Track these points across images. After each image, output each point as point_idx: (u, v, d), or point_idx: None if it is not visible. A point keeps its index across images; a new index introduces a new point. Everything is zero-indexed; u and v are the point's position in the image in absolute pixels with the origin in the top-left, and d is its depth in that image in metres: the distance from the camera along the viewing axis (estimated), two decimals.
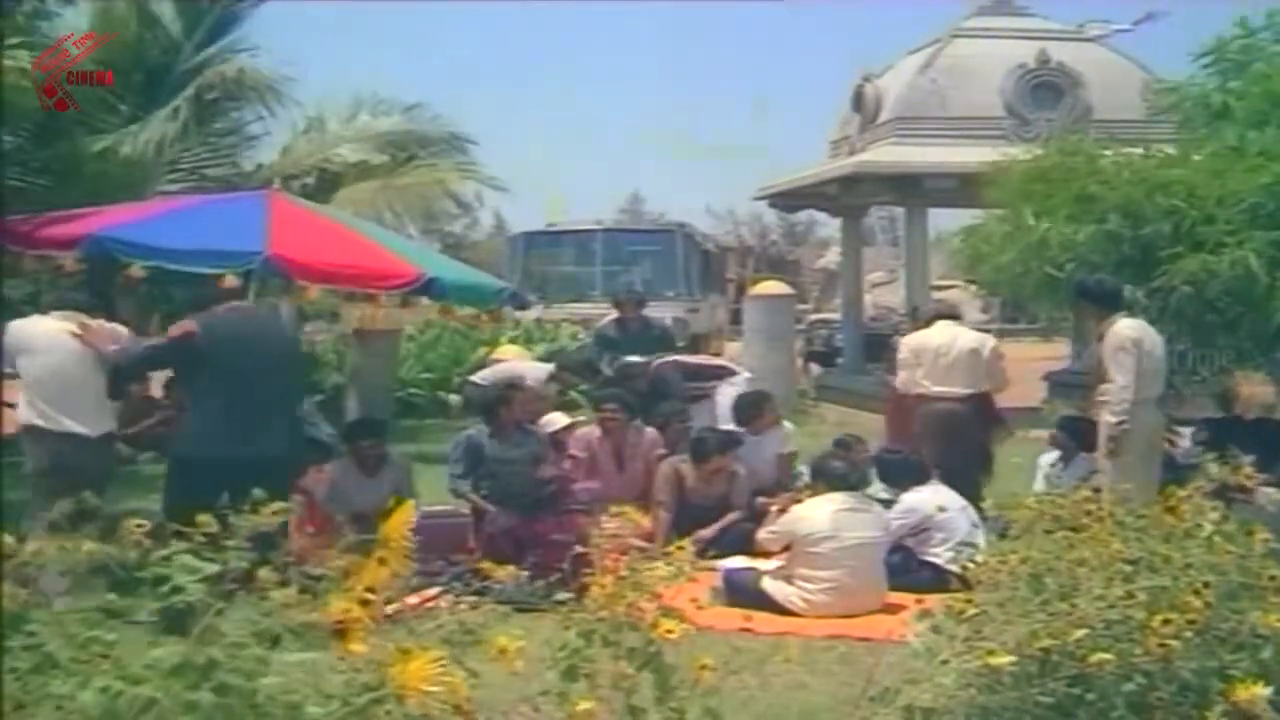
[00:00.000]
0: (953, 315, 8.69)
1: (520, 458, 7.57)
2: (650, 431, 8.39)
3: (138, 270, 6.70)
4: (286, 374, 6.05)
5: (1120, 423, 6.77)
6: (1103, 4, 20.78)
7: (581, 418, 8.84)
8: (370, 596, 2.19)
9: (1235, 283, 7.40)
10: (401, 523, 2.33)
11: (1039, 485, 7.74)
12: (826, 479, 6.64)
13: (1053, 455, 8.19)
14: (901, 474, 7.18)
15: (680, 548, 3.12)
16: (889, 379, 9.31)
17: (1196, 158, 8.40)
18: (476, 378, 10.58)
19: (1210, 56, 8.83)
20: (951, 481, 7.17)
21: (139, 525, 2.61)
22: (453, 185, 14.37)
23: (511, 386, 8.62)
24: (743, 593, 6.30)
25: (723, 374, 10.05)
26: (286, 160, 13.57)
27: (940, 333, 8.17)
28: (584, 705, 2.61)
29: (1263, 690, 2.70)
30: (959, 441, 7.92)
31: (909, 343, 8.34)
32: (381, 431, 8.23)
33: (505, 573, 4.82)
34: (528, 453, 7.71)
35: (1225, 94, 8.70)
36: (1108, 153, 8.94)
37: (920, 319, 9.33)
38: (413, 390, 15.20)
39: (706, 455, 7.82)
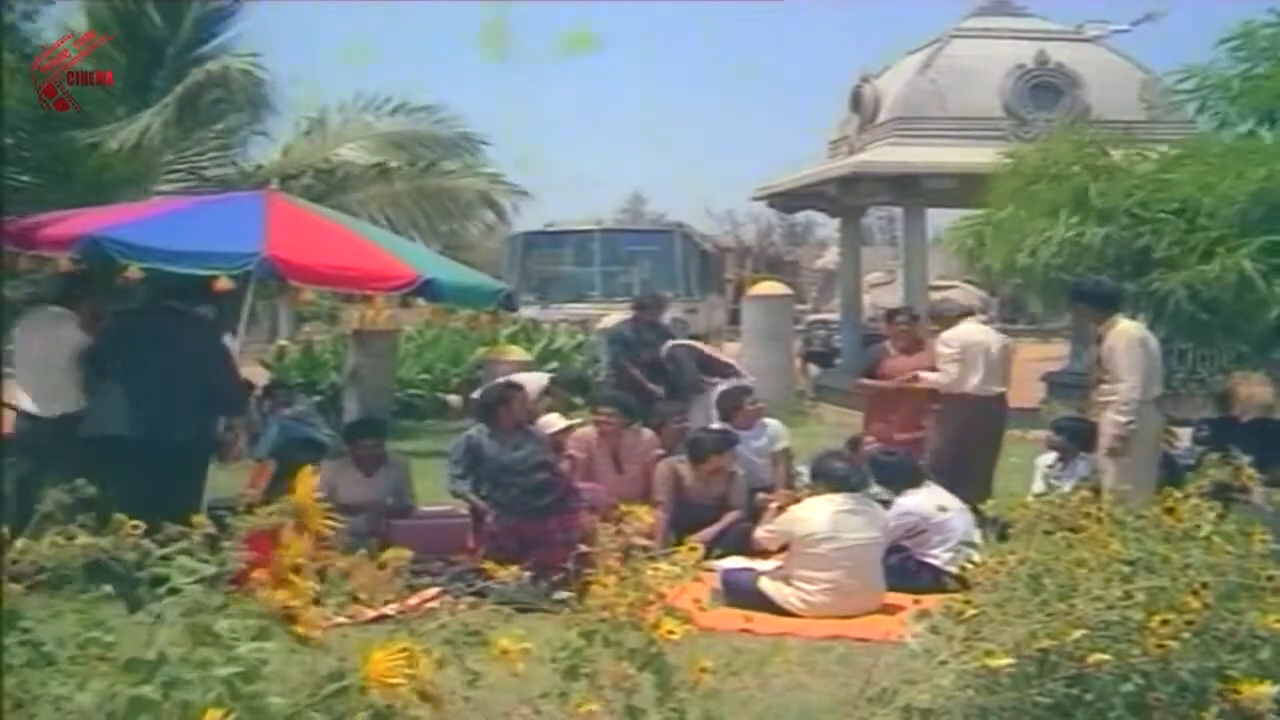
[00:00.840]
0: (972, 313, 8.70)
1: (526, 459, 7.50)
2: (648, 433, 8.38)
3: (135, 271, 6.70)
4: (189, 372, 6.60)
5: (1129, 422, 6.75)
6: (1101, 4, 20.79)
7: (578, 420, 8.83)
8: (300, 563, 2.19)
9: (1229, 289, 7.40)
10: (308, 489, 2.34)
11: (1038, 486, 7.72)
12: (827, 479, 6.64)
13: (1050, 457, 8.17)
14: (897, 476, 7.17)
15: (693, 549, 3.11)
16: (864, 381, 9.15)
17: (1198, 159, 8.39)
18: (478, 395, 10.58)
19: (1236, 41, 8.78)
20: (971, 479, 7.17)
21: (135, 526, 2.61)
22: (479, 190, 14.35)
23: (511, 386, 8.62)
24: (741, 593, 6.30)
25: (729, 373, 10.07)
26: (287, 160, 13.55)
27: (979, 330, 8.14)
28: (586, 708, 2.61)
29: (1269, 689, 2.70)
30: (991, 440, 7.91)
31: (956, 339, 8.10)
32: (383, 431, 8.23)
33: (508, 573, 4.81)
34: (532, 454, 7.64)
35: (1247, 80, 8.68)
36: (1115, 152, 8.94)
37: (898, 321, 9.18)
38: (411, 390, 15.21)
39: (703, 455, 7.82)
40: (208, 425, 6.91)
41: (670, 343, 9.65)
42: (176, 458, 6.28)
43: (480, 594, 2.85)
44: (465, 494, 7.78)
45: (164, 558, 2.32)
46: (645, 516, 3.08)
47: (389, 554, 2.61)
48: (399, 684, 2.03)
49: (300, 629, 2.11)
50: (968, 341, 8.05)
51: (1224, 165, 7.99)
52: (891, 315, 9.54)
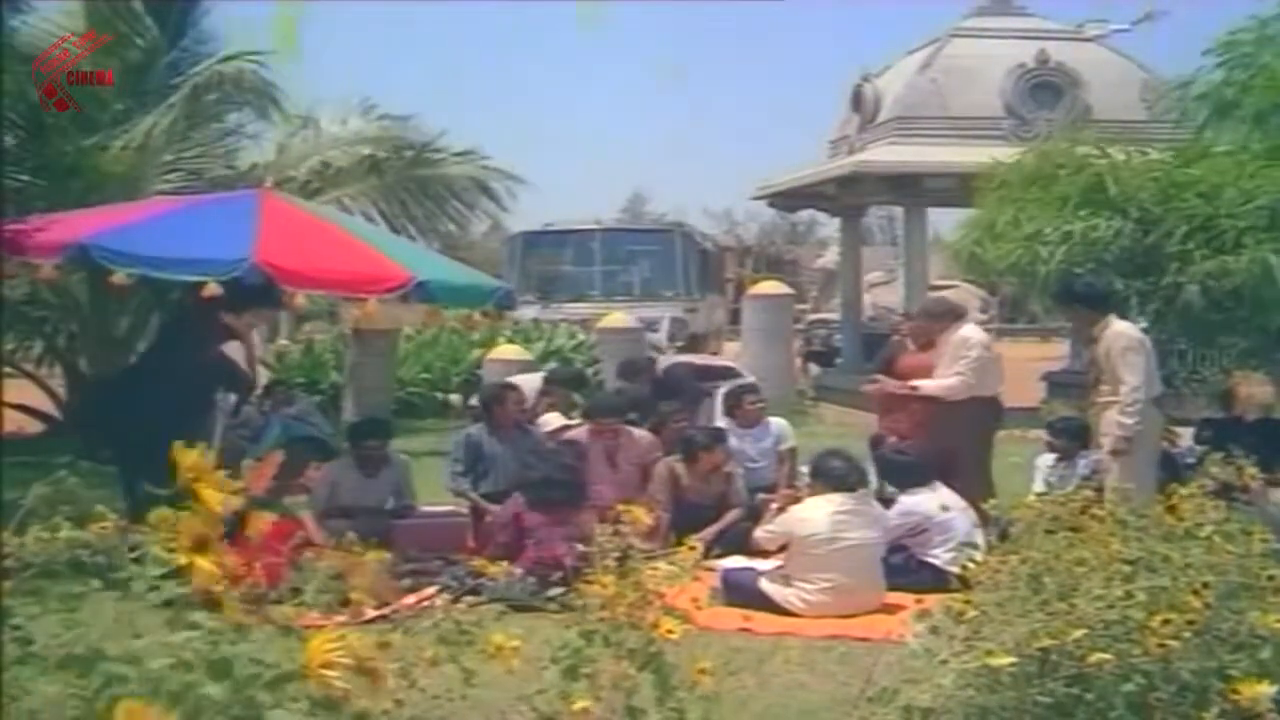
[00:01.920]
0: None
1: (553, 451, 7.43)
2: (645, 434, 8.33)
3: (121, 278, 6.68)
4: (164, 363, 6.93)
5: (1136, 423, 6.72)
6: (1102, 4, 20.73)
7: (577, 420, 8.81)
8: (207, 539, 2.14)
9: (1251, 282, 7.38)
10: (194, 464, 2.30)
11: (1038, 486, 7.69)
12: (826, 479, 6.62)
13: (1050, 457, 8.13)
14: (904, 475, 7.15)
15: (691, 548, 3.10)
16: (880, 379, 8.98)
17: (1212, 156, 8.37)
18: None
19: (1221, 51, 8.79)
20: (977, 479, 7.15)
21: (103, 525, 2.60)
22: (472, 176, 14.35)
23: (505, 386, 8.61)
24: (741, 593, 6.29)
25: (728, 375, 10.07)
26: (283, 160, 13.55)
27: (984, 332, 8.07)
28: (582, 704, 2.60)
29: (1267, 688, 2.69)
30: (990, 439, 7.89)
31: (978, 344, 7.79)
32: (386, 432, 8.20)
33: (498, 569, 4.81)
34: (559, 449, 7.56)
35: (1233, 88, 8.67)
36: (1112, 151, 8.91)
37: (923, 317, 9.09)
38: (410, 389, 15.19)
39: (694, 453, 7.80)
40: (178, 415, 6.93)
41: (666, 361, 9.67)
42: (149, 452, 6.34)
43: (477, 592, 2.84)
44: (465, 491, 7.77)
45: (134, 549, 2.30)
46: (644, 517, 3.07)
47: (370, 555, 2.58)
48: (335, 674, 1.98)
49: (226, 614, 2.05)
50: (985, 343, 7.94)
51: (1240, 163, 7.98)
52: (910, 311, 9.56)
